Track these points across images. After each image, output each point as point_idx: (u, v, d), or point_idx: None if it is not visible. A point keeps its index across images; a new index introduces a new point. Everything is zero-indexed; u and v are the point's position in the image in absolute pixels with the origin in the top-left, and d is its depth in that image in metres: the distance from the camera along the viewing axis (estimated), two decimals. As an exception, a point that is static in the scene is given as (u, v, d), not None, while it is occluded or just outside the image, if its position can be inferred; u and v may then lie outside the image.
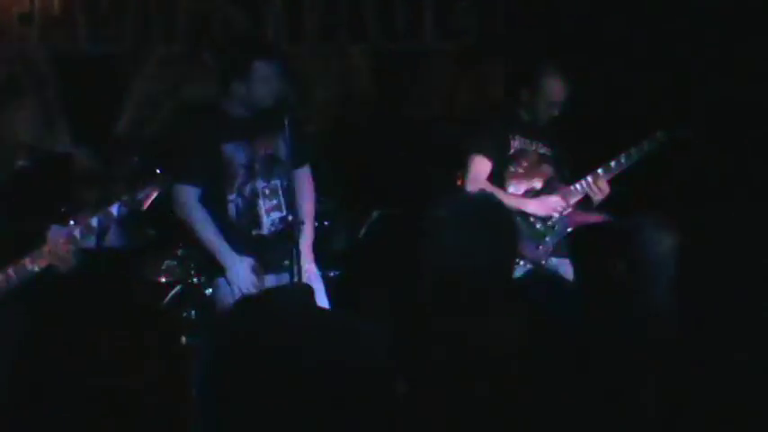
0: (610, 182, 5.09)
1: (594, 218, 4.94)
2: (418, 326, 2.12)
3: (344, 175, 5.30)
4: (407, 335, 2.13)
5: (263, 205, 4.42)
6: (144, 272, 5.47)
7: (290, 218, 4.33)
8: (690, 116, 5.11)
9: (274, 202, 4.42)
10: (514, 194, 4.97)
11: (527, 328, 2.18)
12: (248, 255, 4.36)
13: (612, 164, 5.07)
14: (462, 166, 5.06)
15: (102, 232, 5.01)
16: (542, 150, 5.17)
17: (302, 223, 4.40)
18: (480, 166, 5.01)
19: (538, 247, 5.02)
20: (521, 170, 5.09)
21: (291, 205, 4.36)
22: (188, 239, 5.32)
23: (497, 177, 5.03)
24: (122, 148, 5.78)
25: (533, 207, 4.94)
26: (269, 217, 4.39)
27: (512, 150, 5.10)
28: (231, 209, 4.42)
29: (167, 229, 5.41)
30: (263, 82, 4.33)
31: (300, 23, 6.44)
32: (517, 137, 5.13)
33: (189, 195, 4.38)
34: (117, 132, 6.15)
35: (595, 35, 5.85)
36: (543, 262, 4.93)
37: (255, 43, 4.87)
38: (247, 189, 4.41)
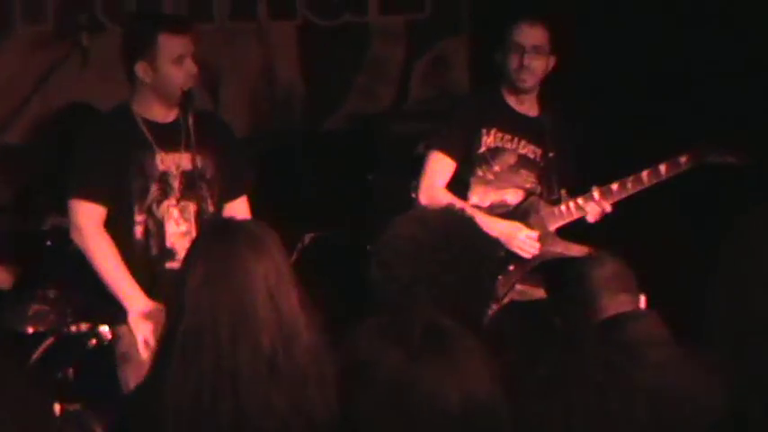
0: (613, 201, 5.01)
1: (573, 250, 4.92)
2: (357, 370, 2.10)
3: (267, 190, 5.10)
4: (345, 379, 2.15)
5: (168, 229, 4.48)
6: (4, 320, 5.31)
7: None
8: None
9: (182, 228, 4.49)
10: (478, 211, 4.81)
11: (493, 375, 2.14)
12: (155, 296, 4.38)
13: (615, 187, 4.98)
14: (417, 174, 5.02)
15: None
16: (525, 151, 5.05)
17: None
18: (437, 168, 4.96)
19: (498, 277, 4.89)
20: (490, 175, 5.01)
21: None
22: (64, 277, 5.29)
23: (459, 182, 4.98)
24: None
25: (496, 230, 4.76)
26: (176, 246, 4.47)
27: (482, 148, 5.00)
28: (138, 233, 4.46)
29: (36, 263, 5.38)
30: (175, 62, 4.38)
31: (203, 1, 6.53)
32: (493, 130, 5.01)
33: (87, 215, 4.42)
34: None
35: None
36: (503, 294, 4.90)
37: (160, 15, 5.06)
38: (160, 209, 4.48)
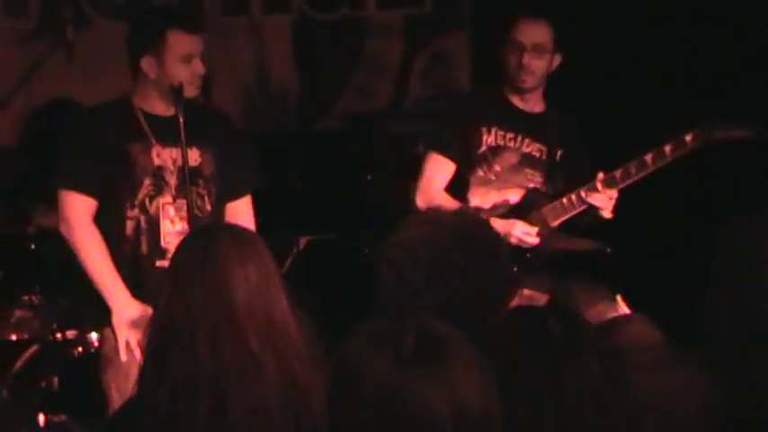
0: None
1: (581, 245, 4.93)
2: (345, 376, 2.10)
3: (259, 192, 5.10)
4: (334, 385, 2.13)
5: (163, 228, 4.44)
6: None
7: None
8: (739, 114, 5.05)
9: (178, 227, 4.46)
10: (478, 210, 4.89)
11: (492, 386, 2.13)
12: (143, 295, 4.35)
13: (618, 175, 4.94)
14: (415, 175, 5.01)
15: None
16: (529, 149, 5.03)
17: None
18: (435, 169, 4.95)
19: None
20: (492, 176, 4.99)
21: None
22: (48, 282, 5.35)
23: (460, 183, 4.97)
24: None
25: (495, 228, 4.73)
26: (171, 245, 4.41)
27: (483, 148, 4.98)
28: (129, 228, 4.44)
29: (18, 266, 5.39)
30: (182, 60, 4.35)
31: None
32: (494, 129, 4.99)
33: (77, 207, 4.39)
34: None
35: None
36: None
37: (173, 11, 5.00)
38: (153, 205, 4.45)
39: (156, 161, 4.42)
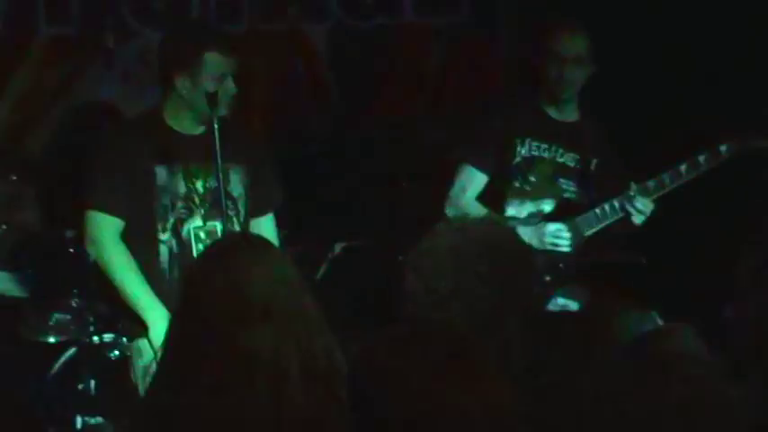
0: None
1: (615, 254, 4.98)
2: (378, 383, 2.10)
3: (297, 198, 5.13)
4: (363, 392, 2.13)
5: (195, 254, 4.41)
6: (24, 329, 5.32)
7: None
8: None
9: None
10: (513, 219, 4.92)
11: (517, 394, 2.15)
12: None
13: (651, 185, 4.94)
14: (449, 183, 5.06)
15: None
16: (564, 159, 5.04)
17: None
18: (467, 180, 4.98)
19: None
20: (527, 186, 5.02)
21: None
22: (86, 285, 5.27)
23: (495, 195, 4.98)
24: None
25: (526, 238, 4.74)
26: None
27: (517, 159, 5.00)
28: (163, 253, 4.42)
29: (57, 270, 5.36)
30: (216, 81, 4.33)
31: (231, 3, 6.48)
32: (528, 139, 4.99)
33: (105, 228, 4.39)
34: None
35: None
36: (541, 306, 4.80)
37: (209, 31, 4.93)
38: (185, 229, 4.44)
39: (186, 183, 4.41)
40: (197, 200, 4.42)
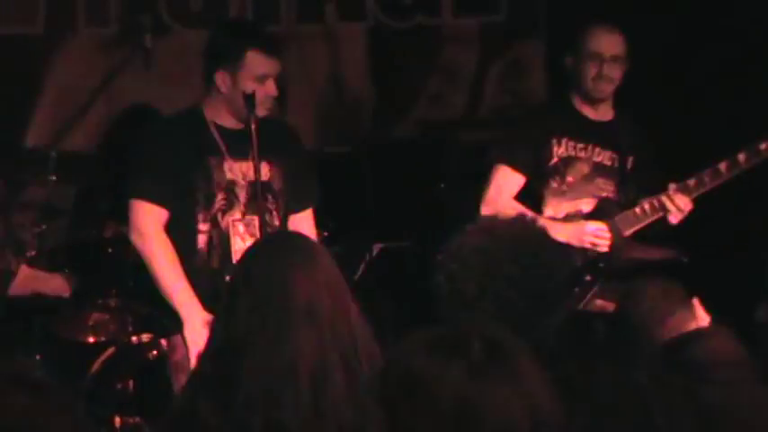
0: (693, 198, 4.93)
1: (655, 253, 4.88)
2: (413, 387, 2.07)
3: (335, 199, 5.15)
4: (398, 396, 2.10)
5: (234, 245, 4.42)
6: (63, 329, 5.40)
7: None
8: None
9: (248, 243, 4.36)
10: (542, 218, 4.84)
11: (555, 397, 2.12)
12: (215, 308, 4.18)
13: (691, 183, 4.90)
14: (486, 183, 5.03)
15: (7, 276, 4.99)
16: (600, 158, 5.02)
17: None
18: (504, 180, 4.95)
19: (574, 288, 4.82)
20: (564, 187, 4.99)
21: None
22: (125, 286, 5.39)
23: (533, 196, 4.96)
24: (35, 163, 5.69)
25: (563, 234, 4.73)
26: None
27: (554, 159, 4.97)
28: (201, 242, 4.44)
29: (96, 270, 5.44)
30: (256, 80, 4.34)
31: (269, 4, 6.51)
32: (564, 139, 4.97)
33: (148, 218, 4.40)
34: (28, 141, 6.18)
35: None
36: (582, 306, 4.84)
37: (255, 30, 4.95)
38: (225, 220, 4.45)
39: (229, 175, 4.43)
40: (237, 192, 4.44)
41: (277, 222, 4.48)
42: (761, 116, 5.38)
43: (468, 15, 6.68)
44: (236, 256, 4.36)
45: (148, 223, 4.39)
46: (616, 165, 5.00)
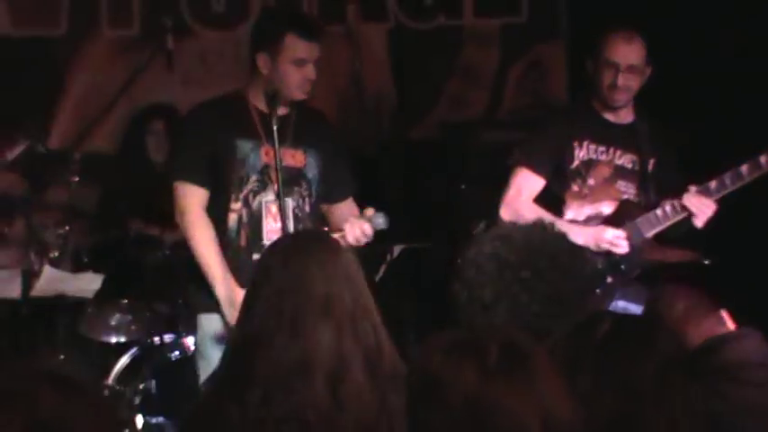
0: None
1: (676, 255, 4.86)
2: (430, 389, 2.10)
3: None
4: (416, 398, 2.13)
5: (265, 226, 4.50)
6: (86, 330, 5.40)
7: None
8: None
9: (278, 224, 4.46)
10: (562, 221, 4.78)
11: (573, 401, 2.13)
12: (243, 286, 4.30)
13: (713, 186, 4.89)
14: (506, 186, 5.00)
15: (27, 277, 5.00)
16: (621, 161, 5.00)
17: None
18: (523, 183, 4.93)
19: (595, 291, 4.81)
20: (585, 190, 4.96)
21: None
22: (147, 286, 5.44)
23: (554, 198, 4.93)
24: (58, 164, 5.71)
25: (584, 239, 4.75)
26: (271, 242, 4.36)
27: (575, 162, 4.96)
28: (231, 220, 4.51)
29: (118, 271, 5.47)
30: (295, 64, 4.42)
31: (290, 4, 6.58)
32: (585, 142, 4.96)
33: (190, 198, 4.48)
34: (50, 142, 6.20)
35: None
36: (602, 308, 4.75)
37: (295, 15, 5.08)
38: (256, 201, 4.51)
39: (264, 159, 4.48)
40: (272, 175, 4.48)
41: (308, 209, 4.54)
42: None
43: (489, 17, 6.69)
44: (267, 237, 4.47)
45: (190, 204, 4.47)
46: (637, 167, 4.99)
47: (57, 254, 5.40)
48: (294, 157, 4.53)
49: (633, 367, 2.33)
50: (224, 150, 4.46)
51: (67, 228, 5.47)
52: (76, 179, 5.53)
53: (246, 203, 4.50)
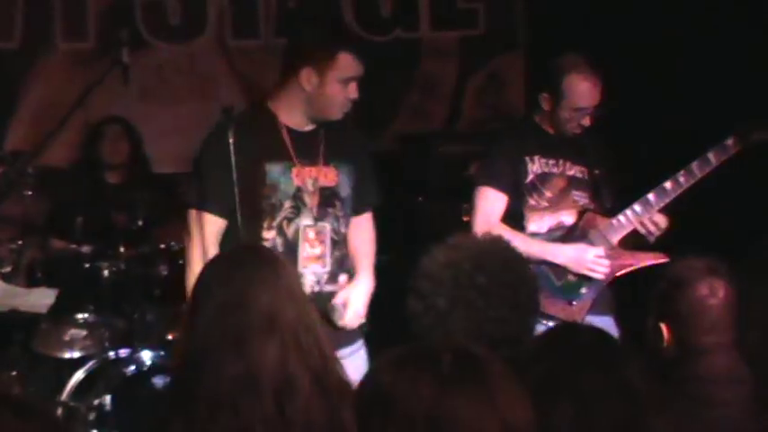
0: (665, 212, 5.00)
1: (646, 259, 4.91)
2: (384, 405, 2.10)
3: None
4: (369, 415, 2.12)
5: (301, 252, 4.34)
6: (40, 344, 5.39)
7: (341, 278, 4.38)
8: None
9: (317, 251, 4.36)
10: (539, 241, 4.91)
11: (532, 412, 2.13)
12: None
13: (668, 186, 5.00)
14: (467, 198, 5.06)
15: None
16: (573, 172, 5.10)
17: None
18: (490, 204, 4.98)
19: (571, 303, 4.95)
20: (544, 202, 5.04)
21: (340, 262, 4.40)
22: (102, 301, 5.42)
23: (514, 214, 4.99)
24: (13, 177, 5.60)
25: (564, 259, 4.90)
26: (308, 269, 4.34)
27: (530, 176, 5.03)
28: None
29: (73, 285, 5.45)
30: (342, 82, 4.30)
31: (247, 18, 6.50)
32: (536, 157, 5.05)
33: (205, 228, 4.29)
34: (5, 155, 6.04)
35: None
36: (581, 319, 4.85)
37: (344, 32, 4.93)
38: (291, 228, 4.34)
39: (296, 182, 4.35)
40: (306, 199, 4.37)
41: (344, 230, 4.42)
42: (727, 112, 5.47)
43: (447, 29, 6.70)
44: (303, 264, 4.33)
45: (207, 234, 4.29)
46: (586, 177, 5.08)
47: (10, 269, 5.38)
48: (327, 176, 4.39)
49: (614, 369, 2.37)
50: (252, 174, 4.27)
51: (20, 242, 5.47)
52: (30, 193, 5.48)
53: (281, 231, 4.34)
